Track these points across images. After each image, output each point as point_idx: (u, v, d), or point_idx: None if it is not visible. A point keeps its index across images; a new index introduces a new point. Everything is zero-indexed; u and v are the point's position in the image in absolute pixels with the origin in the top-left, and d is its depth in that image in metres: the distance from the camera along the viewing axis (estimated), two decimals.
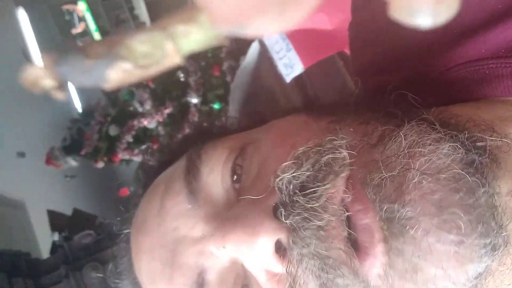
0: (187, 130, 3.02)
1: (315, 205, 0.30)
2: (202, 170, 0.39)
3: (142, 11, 5.48)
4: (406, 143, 0.31)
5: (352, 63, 0.56)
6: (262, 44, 1.52)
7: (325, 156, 0.32)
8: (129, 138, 2.96)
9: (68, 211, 2.55)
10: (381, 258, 0.29)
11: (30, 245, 2.80)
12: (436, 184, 0.29)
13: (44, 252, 2.67)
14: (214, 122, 0.50)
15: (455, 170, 0.29)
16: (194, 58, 3.01)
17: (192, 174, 0.39)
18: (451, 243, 0.28)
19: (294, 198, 0.31)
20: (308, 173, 0.32)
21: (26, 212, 3.21)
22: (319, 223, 0.30)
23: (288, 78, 1.37)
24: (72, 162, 3.07)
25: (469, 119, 0.35)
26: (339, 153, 0.32)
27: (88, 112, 3.18)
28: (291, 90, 1.53)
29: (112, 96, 3.15)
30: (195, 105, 2.97)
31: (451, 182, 0.29)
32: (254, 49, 1.57)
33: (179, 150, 0.46)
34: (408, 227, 0.28)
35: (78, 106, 5.65)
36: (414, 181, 0.29)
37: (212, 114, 3.07)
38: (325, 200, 0.31)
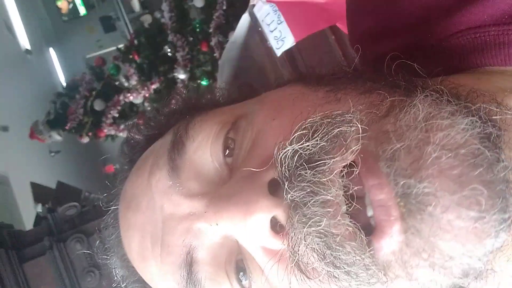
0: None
1: (322, 178, 0.29)
2: (188, 146, 0.38)
3: None
4: (422, 115, 0.29)
5: (349, 33, 0.54)
6: (252, 16, 1.49)
7: (336, 128, 0.30)
8: (114, 113, 2.91)
9: (53, 185, 2.52)
10: (398, 237, 0.28)
11: (14, 218, 2.77)
12: (455, 159, 0.27)
13: (28, 225, 2.65)
14: (203, 95, 0.48)
15: (474, 146, 0.28)
16: (181, 32, 2.95)
17: (176, 150, 0.38)
18: (471, 219, 0.27)
19: (298, 172, 0.30)
20: (318, 143, 0.30)
21: (10, 186, 3.16)
22: (327, 197, 0.29)
23: (278, 52, 1.34)
24: (57, 137, 3.02)
25: (471, 89, 0.33)
26: (351, 125, 0.30)
27: (73, 86, 3.12)
28: (281, 65, 1.51)
29: (97, 70, 3.09)
30: (182, 81, 2.93)
31: (470, 158, 0.27)
32: (244, 21, 1.54)
33: (167, 123, 0.44)
34: (426, 204, 0.27)
35: (63, 79, 5.55)
36: (433, 155, 0.27)
37: (206, 90, 3.03)
38: (334, 174, 0.29)
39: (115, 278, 0.46)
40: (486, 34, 0.37)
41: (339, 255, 0.29)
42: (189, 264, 0.36)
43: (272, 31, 1.38)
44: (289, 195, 0.30)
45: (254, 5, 1.44)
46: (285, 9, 1.36)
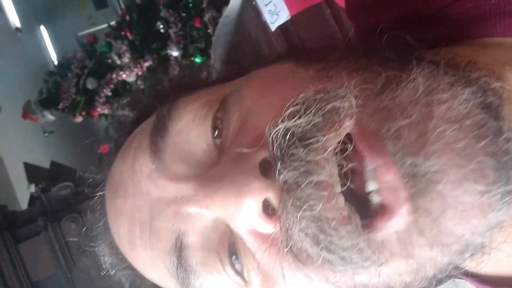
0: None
1: (316, 157, 0.28)
2: (170, 129, 0.36)
3: None
4: (422, 89, 0.28)
5: (346, 4, 0.52)
6: None
7: (329, 103, 0.29)
8: (107, 91, 2.88)
9: (47, 166, 2.51)
10: (407, 218, 0.27)
11: (8, 198, 2.76)
12: (460, 132, 0.26)
13: (23, 206, 2.65)
14: (188, 74, 0.47)
15: (478, 116, 0.27)
16: (174, 8, 2.90)
17: (158, 133, 0.36)
18: (478, 193, 0.26)
19: (290, 151, 0.28)
20: (310, 120, 0.29)
21: (4, 166, 3.15)
22: (320, 177, 0.27)
23: (273, 26, 1.31)
24: (50, 116, 2.99)
25: (470, 61, 0.32)
26: (344, 100, 0.28)
27: (65, 64, 3.08)
28: (276, 39, 1.48)
29: (89, 48, 3.04)
30: (176, 58, 2.89)
31: (475, 129, 0.27)
32: None
33: (152, 104, 0.42)
34: (435, 182, 0.26)
35: (54, 58, 5.47)
36: (438, 130, 0.26)
37: (193, 68, 3.00)
38: (327, 152, 0.28)
39: (103, 266, 0.44)
40: (487, 3, 0.36)
41: (334, 240, 0.28)
42: (179, 249, 0.35)
43: (266, 5, 1.34)
44: (281, 176, 0.28)
45: None
46: None
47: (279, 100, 0.32)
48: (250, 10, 1.47)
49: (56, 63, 3.80)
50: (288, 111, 0.29)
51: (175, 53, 2.90)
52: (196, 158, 0.35)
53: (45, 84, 3.12)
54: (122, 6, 5.02)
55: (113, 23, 3.06)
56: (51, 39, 5.84)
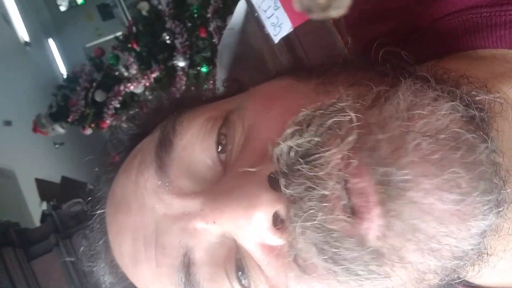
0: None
1: (319, 173, 0.29)
2: (175, 144, 0.36)
3: None
4: (404, 105, 0.29)
5: (343, 18, 0.53)
6: (249, 3, 1.46)
7: (329, 119, 0.30)
8: (116, 103, 2.91)
9: (58, 179, 2.53)
10: (378, 221, 0.28)
11: (22, 214, 2.79)
12: (435, 144, 0.28)
13: (36, 220, 2.67)
14: (191, 91, 0.47)
15: (454, 129, 0.28)
16: (179, 19, 2.92)
17: (163, 148, 0.36)
18: (452, 202, 0.27)
19: (295, 167, 0.29)
20: (312, 139, 0.30)
21: (16, 181, 3.19)
22: (324, 192, 0.28)
23: (276, 39, 1.32)
24: (60, 129, 3.02)
25: (462, 75, 0.33)
26: (344, 116, 0.30)
27: (73, 78, 3.11)
28: (279, 51, 1.49)
29: (97, 60, 3.07)
30: (182, 68, 2.91)
31: (451, 141, 0.28)
32: (240, 8, 1.52)
33: (153, 121, 0.43)
34: (406, 189, 0.27)
35: (63, 70, 5.53)
36: (413, 143, 0.28)
37: (200, 78, 3.01)
38: (330, 167, 0.29)
39: (103, 286, 0.44)
40: (478, 16, 0.36)
41: (338, 251, 0.29)
42: (187, 266, 0.34)
43: (269, 18, 1.35)
44: (288, 191, 0.29)
45: None
46: None
47: (280, 115, 0.33)
48: (253, 23, 1.48)
49: (65, 76, 3.85)
50: (289, 130, 0.30)
51: (181, 64, 2.91)
52: (201, 173, 0.35)
53: (55, 97, 3.15)
54: (129, 16, 5.07)
55: (119, 34, 3.09)
56: (59, 52, 5.91)
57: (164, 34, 2.93)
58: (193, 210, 0.34)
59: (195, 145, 0.36)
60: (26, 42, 5.04)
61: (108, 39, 5.48)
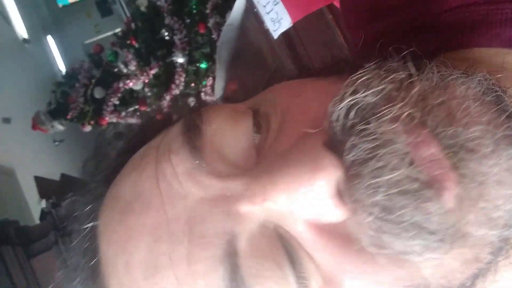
0: (174, 91, 2.96)
1: (389, 128, 0.26)
2: (204, 130, 0.32)
3: None
4: (437, 78, 0.29)
5: (343, 15, 0.52)
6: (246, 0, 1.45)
7: (390, 74, 0.28)
8: (115, 100, 2.90)
9: (58, 176, 2.53)
10: (455, 188, 0.26)
11: (21, 212, 2.80)
12: (483, 107, 0.27)
13: (37, 217, 2.67)
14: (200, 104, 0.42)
15: (495, 93, 0.28)
16: (178, 15, 2.91)
17: (192, 133, 0.32)
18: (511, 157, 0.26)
19: (358, 127, 0.26)
20: (378, 91, 0.27)
21: (16, 178, 3.19)
22: (398, 145, 0.25)
23: (275, 34, 1.31)
24: (59, 126, 3.02)
25: (463, 72, 0.32)
26: (405, 71, 0.28)
27: (72, 74, 3.11)
28: (279, 46, 1.48)
29: (96, 57, 3.06)
30: (181, 64, 2.90)
31: (494, 106, 0.28)
32: (239, 3, 1.51)
33: (147, 136, 0.38)
34: (475, 149, 0.26)
35: (62, 67, 5.52)
36: (463, 106, 0.27)
37: (199, 74, 3.01)
38: (400, 121, 0.26)
39: None
40: (476, 13, 0.36)
41: (424, 219, 0.25)
42: (232, 255, 0.29)
43: (268, 13, 1.34)
44: (351, 154, 0.26)
45: None
46: None
47: (317, 95, 0.31)
48: (253, 18, 1.48)
49: (64, 72, 3.84)
50: (349, 89, 0.28)
51: (180, 60, 2.91)
52: (234, 159, 0.32)
53: (54, 94, 3.15)
54: (127, 13, 5.06)
55: (118, 30, 3.08)
56: (58, 49, 5.90)
57: (163, 30, 2.92)
58: (237, 191, 0.29)
59: (226, 131, 0.33)
60: (24, 39, 5.03)
61: (107, 36, 5.46)
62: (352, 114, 0.27)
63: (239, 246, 0.29)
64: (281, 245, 0.29)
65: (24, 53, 4.87)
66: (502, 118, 0.27)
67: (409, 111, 0.27)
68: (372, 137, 0.26)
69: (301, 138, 0.29)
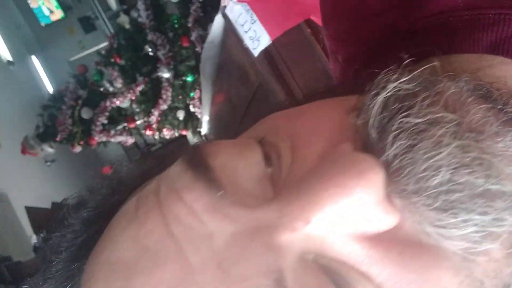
0: (162, 106, 2.96)
1: (437, 107, 0.25)
2: (212, 164, 0.28)
3: None
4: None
5: (324, 26, 0.51)
6: (226, 18, 1.45)
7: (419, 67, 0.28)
8: (103, 119, 2.90)
9: (53, 197, 2.51)
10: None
11: (16, 238, 2.77)
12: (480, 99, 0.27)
13: (33, 239, 2.65)
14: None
15: (485, 88, 0.28)
16: (161, 30, 2.91)
17: (199, 169, 0.28)
18: None
19: (397, 119, 0.25)
20: (413, 78, 0.26)
21: (9, 203, 3.17)
22: (451, 123, 0.24)
23: (255, 52, 1.32)
24: (49, 149, 3.01)
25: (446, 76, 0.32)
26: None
27: (58, 96, 3.10)
28: (260, 63, 1.49)
29: (81, 77, 3.06)
30: (167, 79, 2.90)
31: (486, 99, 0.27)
32: (218, 22, 1.51)
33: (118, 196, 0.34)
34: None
35: (50, 86, 5.49)
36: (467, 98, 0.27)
37: (186, 87, 3.01)
38: (448, 101, 0.25)
39: None
40: (458, 19, 0.36)
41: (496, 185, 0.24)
42: None
43: (246, 32, 1.35)
44: (393, 147, 0.24)
45: (225, 6, 1.41)
46: (257, 7, 1.33)
47: (326, 111, 0.30)
48: (232, 36, 1.48)
49: (51, 93, 3.82)
50: (381, 83, 0.27)
51: (166, 75, 2.91)
52: (253, 189, 0.28)
53: (41, 118, 3.14)
54: (110, 28, 5.04)
55: (103, 45, 3.07)
56: (44, 68, 5.87)
57: (146, 46, 2.92)
58: (271, 220, 0.25)
59: (235, 162, 0.28)
60: (9, 61, 5.00)
61: (92, 51, 5.45)
62: (389, 105, 0.26)
63: (288, 285, 0.24)
64: (327, 277, 0.25)
65: (9, 75, 4.84)
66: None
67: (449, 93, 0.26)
68: (418, 120, 0.24)
69: (325, 154, 0.27)
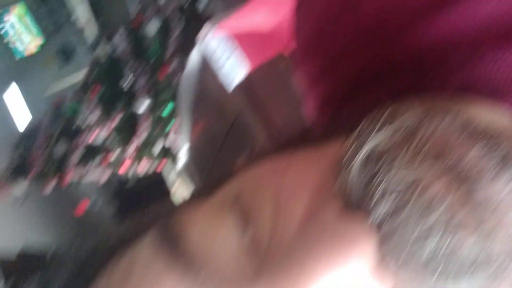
0: (140, 138, 2.91)
1: (421, 156, 0.23)
2: (183, 238, 0.27)
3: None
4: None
5: (300, 64, 0.49)
6: (201, 53, 1.44)
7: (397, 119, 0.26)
8: (77, 155, 2.83)
9: (23, 239, 2.41)
10: None
11: None
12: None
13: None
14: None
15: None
16: (139, 62, 2.90)
17: (173, 248, 0.26)
18: None
19: (381, 173, 0.24)
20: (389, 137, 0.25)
21: None
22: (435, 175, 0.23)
23: (230, 87, 1.31)
24: (20, 187, 2.92)
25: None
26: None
27: (32, 132, 3.03)
28: (236, 96, 1.47)
29: (55, 112, 3.01)
30: (143, 114, 2.87)
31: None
32: (194, 59, 1.50)
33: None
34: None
35: (25, 121, 5.39)
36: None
37: (163, 119, 2.98)
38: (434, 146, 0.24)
39: None
40: (431, 56, 0.35)
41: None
42: None
43: (221, 68, 1.34)
44: (381, 205, 0.23)
45: (201, 43, 1.41)
46: (233, 42, 1.33)
47: (309, 165, 0.28)
48: (208, 71, 1.47)
49: (22, 130, 3.75)
50: (356, 141, 0.26)
51: (142, 109, 2.88)
52: (232, 266, 0.26)
53: (14, 154, 3.06)
54: (88, 58, 5.02)
55: (80, 79, 3.04)
56: (19, 101, 5.77)
57: (123, 79, 2.90)
58: None
59: (212, 241, 0.27)
60: None
61: (70, 82, 5.40)
62: (370, 161, 0.24)
63: None
64: None
65: None
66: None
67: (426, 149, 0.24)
68: (402, 175, 0.23)
69: (311, 215, 0.25)
